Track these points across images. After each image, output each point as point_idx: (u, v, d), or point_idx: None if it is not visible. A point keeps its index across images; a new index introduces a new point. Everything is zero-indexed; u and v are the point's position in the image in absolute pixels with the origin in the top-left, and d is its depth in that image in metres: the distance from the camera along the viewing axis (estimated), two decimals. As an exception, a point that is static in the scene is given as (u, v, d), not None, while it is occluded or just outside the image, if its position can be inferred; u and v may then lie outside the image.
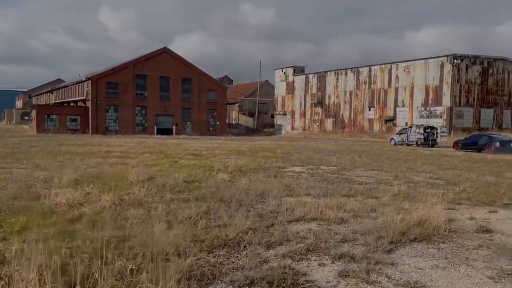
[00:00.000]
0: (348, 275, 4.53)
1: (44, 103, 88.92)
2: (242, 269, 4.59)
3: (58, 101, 77.73)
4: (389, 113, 58.74)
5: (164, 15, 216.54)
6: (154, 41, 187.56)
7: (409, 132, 34.01)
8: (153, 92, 64.34)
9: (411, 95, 55.72)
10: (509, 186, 10.80)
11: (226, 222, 6.26)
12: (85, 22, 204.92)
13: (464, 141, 27.94)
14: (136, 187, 8.41)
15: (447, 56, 51.69)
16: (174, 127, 64.81)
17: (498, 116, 55.86)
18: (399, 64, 57.18)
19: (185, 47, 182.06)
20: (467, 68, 52.76)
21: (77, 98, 65.36)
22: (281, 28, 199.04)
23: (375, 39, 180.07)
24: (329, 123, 68.59)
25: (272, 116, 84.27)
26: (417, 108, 55.07)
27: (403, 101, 56.89)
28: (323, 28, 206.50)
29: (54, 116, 59.79)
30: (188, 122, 67.18)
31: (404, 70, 56.51)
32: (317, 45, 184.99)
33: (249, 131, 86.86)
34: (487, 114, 54.91)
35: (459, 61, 51.58)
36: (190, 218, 6.45)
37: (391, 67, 58.28)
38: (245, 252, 5.14)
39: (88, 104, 60.89)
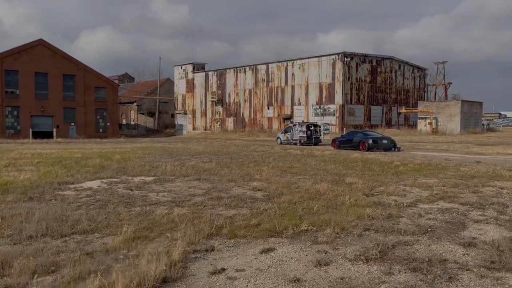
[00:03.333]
0: None
1: None
2: None
3: None
4: (287, 111, 58.00)
5: (68, 9, 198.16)
6: (57, 37, 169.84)
7: (293, 130, 32.42)
8: (27, 90, 56.29)
9: (307, 93, 55.44)
10: (335, 198, 8.49)
11: None
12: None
13: (341, 139, 26.79)
14: None
15: (338, 54, 52.07)
16: (54, 130, 57.41)
17: (387, 113, 58.00)
18: (295, 61, 56.63)
19: (92, 43, 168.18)
20: (357, 66, 53.73)
21: None
22: (195, 26, 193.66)
23: (288, 40, 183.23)
24: (230, 123, 66.27)
25: (173, 116, 79.75)
26: (312, 106, 54.92)
27: (299, 99, 56.43)
28: (236, 28, 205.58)
29: None
30: (72, 124, 60.09)
31: (300, 68, 56.07)
32: (232, 44, 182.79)
33: (149, 132, 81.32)
34: (376, 112, 56.64)
35: (349, 59, 52.27)
36: None
37: (287, 64, 57.54)
38: None
39: None
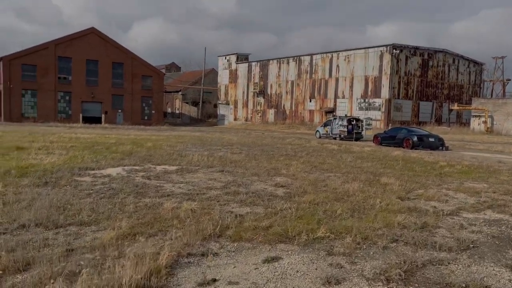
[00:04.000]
0: None
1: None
2: None
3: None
4: (329, 104, 56.41)
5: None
6: (111, 27, 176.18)
7: (333, 124, 31.20)
8: (79, 77, 58.50)
9: (351, 86, 53.54)
10: (364, 201, 7.61)
11: None
12: (36, 3, 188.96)
13: (384, 135, 25.30)
14: None
15: (386, 46, 49.70)
16: (103, 116, 59.50)
17: (437, 110, 54.87)
18: (340, 53, 54.78)
19: (144, 33, 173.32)
20: (406, 59, 51.08)
21: (-10, 81, 58.39)
22: (241, 17, 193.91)
23: (335, 32, 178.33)
24: (271, 114, 65.60)
25: (215, 106, 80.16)
26: (357, 99, 52.99)
27: (343, 92, 54.64)
28: (283, 20, 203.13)
29: (-42, 100, 52.84)
30: (120, 110, 61.88)
31: (345, 60, 54.18)
32: (278, 36, 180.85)
33: (193, 121, 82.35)
34: (426, 108, 53.74)
35: (398, 51, 49.75)
36: None
37: (332, 56, 55.80)
38: None
39: (1, 88, 54.30)
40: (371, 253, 4.93)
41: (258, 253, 4.79)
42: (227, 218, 6.00)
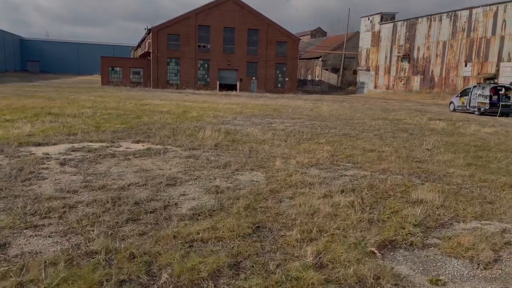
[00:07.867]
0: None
1: (134, 56, 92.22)
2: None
3: (140, 53, 79.46)
4: (490, 69, 45.31)
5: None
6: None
7: (471, 93, 23.97)
8: (217, 45, 60.20)
9: (522, 46, 41.64)
10: (295, 246, 3.88)
11: None
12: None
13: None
14: None
15: None
16: (238, 83, 60.47)
17: None
18: (508, 4, 42.83)
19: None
20: None
21: (143, 52, 65.17)
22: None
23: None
24: (416, 82, 56.87)
25: (355, 73, 73.66)
26: (529, 63, 41.08)
27: (509, 54, 43.00)
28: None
29: (118, 69, 60.10)
30: (254, 78, 61.96)
31: (516, 12, 42.18)
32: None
33: (332, 89, 77.93)
34: None
35: None
36: None
37: (497, 9, 44.15)
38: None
39: (150, 57, 59.75)
40: None
41: None
42: None
